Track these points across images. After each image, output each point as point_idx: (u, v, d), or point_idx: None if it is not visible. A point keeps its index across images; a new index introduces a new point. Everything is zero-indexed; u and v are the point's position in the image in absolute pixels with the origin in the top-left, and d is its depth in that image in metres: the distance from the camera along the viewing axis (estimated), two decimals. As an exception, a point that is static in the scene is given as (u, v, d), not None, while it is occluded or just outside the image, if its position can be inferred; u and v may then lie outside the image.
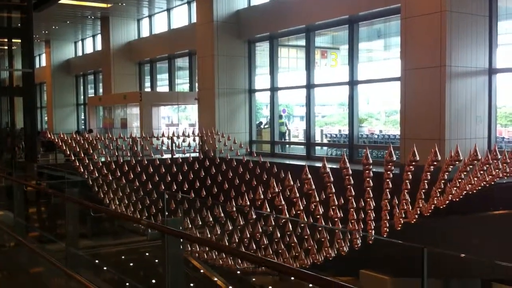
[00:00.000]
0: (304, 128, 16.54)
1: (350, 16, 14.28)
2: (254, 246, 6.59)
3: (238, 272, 7.98)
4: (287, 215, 6.17)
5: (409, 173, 6.04)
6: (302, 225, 6.12)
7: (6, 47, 16.39)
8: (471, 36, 11.09)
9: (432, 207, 6.47)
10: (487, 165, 6.47)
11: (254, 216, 6.22)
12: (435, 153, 5.92)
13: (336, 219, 5.91)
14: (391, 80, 13.65)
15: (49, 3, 21.45)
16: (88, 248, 8.30)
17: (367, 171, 5.84)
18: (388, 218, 6.20)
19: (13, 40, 16.09)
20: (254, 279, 8.63)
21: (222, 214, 6.88)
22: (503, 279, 7.23)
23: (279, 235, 6.42)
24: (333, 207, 5.85)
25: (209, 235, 6.99)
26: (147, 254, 8.66)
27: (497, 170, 6.55)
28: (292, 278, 2.55)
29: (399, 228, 6.34)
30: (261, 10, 17.09)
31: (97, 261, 8.15)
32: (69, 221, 6.31)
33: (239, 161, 9.71)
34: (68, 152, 8.79)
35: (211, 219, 6.99)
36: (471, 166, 6.38)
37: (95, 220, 9.26)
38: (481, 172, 6.50)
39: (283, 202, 5.98)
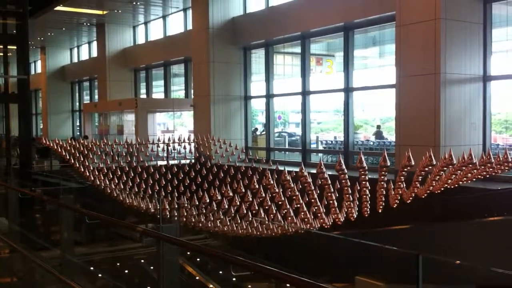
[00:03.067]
0: (300, 135, 16.57)
1: (345, 24, 14.34)
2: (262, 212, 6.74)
3: (234, 279, 7.97)
4: (282, 197, 6.33)
5: (403, 172, 6.10)
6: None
7: (1, 54, 16.34)
8: (465, 43, 11.14)
9: (427, 192, 6.56)
10: (482, 166, 6.53)
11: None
12: (430, 157, 5.94)
13: (331, 201, 6.02)
14: (386, 87, 13.70)
15: (45, 9, 21.48)
16: (83, 255, 8.27)
17: (362, 176, 5.91)
18: (384, 195, 6.27)
19: (8, 47, 16.06)
20: (249, 286, 8.62)
21: (219, 197, 7.04)
22: (498, 286, 7.24)
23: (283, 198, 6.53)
24: (329, 193, 5.97)
25: (207, 200, 7.13)
26: (142, 260, 8.64)
27: (490, 169, 6.63)
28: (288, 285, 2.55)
29: (395, 206, 6.43)
30: (256, 17, 17.14)
31: (92, 268, 8.12)
32: (64, 228, 6.30)
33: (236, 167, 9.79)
34: (67, 156, 8.85)
35: (207, 199, 7.14)
36: (464, 168, 6.43)
37: (90, 227, 9.24)
38: (474, 170, 6.57)
39: (277, 190, 6.12)
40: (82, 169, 8.84)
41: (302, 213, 6.45)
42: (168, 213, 7.54)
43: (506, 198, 9.73)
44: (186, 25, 20.96)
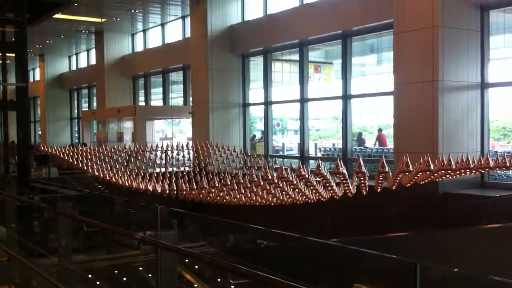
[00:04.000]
0: (298, 142, 16.58)
1: (343, 31, 14.38)
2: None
3: (232, 287, 7.95)
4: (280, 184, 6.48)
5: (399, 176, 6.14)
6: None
7: (0, 61, 16.34)
8: (463, 50, 11.18)
9: (427, 180, 6.65)
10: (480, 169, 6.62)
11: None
12: (428, 162, 5.95)
13: (329, 187, 6.15)
14: (384, 95, 13.72)
15: (43, 17, 21.49)
16: (81, 263, 8.25)
17: (362, 181, 5.95)
18: (382, 179, 6.34)
19: (7, 54, 16.08)
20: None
21: (217, 183, 7.19)
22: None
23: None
24: (327, 184, 6.12)
25: (205, 185, 7.25)
26: (140, 268, 8.62)
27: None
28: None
29: (393, 188, 6.51)
30: (254, 25, 17.18)
31: (90, 275, 8.10)
32: (62, 235, 6.29)
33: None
34: (72, 160, 8.99)
35: (205, 184, 7.26)
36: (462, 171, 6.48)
37: (88, 234, 9.22)
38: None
39: (276, 180, 6.24)
40: (89, 169, 9.05)
41: (300, 193, 6.61)
42: (168, 192, 7.74)
43: (505, 205, 9.75)
44: (185, 33, 21.01)
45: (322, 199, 7.01)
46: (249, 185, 7.02)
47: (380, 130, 17.61)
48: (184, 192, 7.88)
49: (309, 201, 7.15)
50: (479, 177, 11.32)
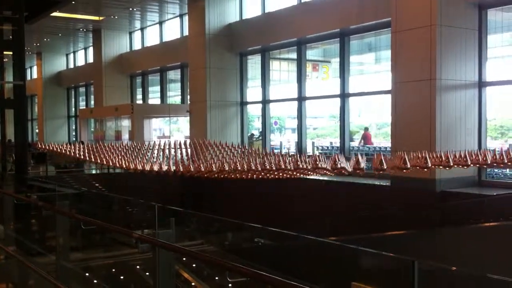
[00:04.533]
0: (296, 141, 16.59)
1: (341, 30, 14.39)
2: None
3: (230, 285, 7.95)
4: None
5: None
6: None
7: (-3, 59, 16.30)
8: (460, 49, 11.19)
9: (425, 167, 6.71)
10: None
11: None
12: (425, 159, 5.95)
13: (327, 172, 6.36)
14: (382, 93, 13.74)
15: (41, 15, 21.46)
16: (78, 261, 8.24)
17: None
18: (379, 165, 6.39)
19: (4, 52, 16.05)
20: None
21: (214, 168, 7.32)
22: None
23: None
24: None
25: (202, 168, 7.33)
26: (138, 267, 8.62)
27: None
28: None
29: (391, 172, 6.60)
30: (253, 23, 17.18)
31: (87, 274, 8.10)
32: (60, 234, 6.28)
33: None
34: (66, 152, 9.08)
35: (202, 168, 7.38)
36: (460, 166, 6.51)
37: (86, 233, 9.23)
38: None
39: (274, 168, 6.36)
40: (87, 157, 9.17)
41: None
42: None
43: (502, 203, 9.77)
44: (183, 31, 20.99)
45: (319, 173, 7.26)
46: (246, 170, 7.09)
47: (366, 129, 17.75)
48: (182, 169, 7.94)
49: (305, 176, 7.45)
50: (477, 175, 11.35)
